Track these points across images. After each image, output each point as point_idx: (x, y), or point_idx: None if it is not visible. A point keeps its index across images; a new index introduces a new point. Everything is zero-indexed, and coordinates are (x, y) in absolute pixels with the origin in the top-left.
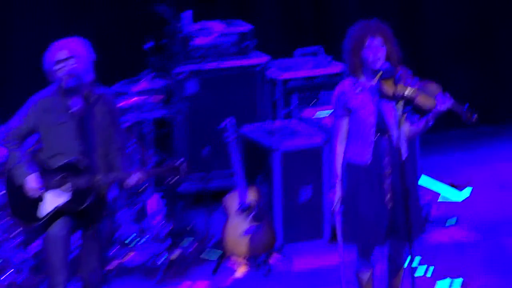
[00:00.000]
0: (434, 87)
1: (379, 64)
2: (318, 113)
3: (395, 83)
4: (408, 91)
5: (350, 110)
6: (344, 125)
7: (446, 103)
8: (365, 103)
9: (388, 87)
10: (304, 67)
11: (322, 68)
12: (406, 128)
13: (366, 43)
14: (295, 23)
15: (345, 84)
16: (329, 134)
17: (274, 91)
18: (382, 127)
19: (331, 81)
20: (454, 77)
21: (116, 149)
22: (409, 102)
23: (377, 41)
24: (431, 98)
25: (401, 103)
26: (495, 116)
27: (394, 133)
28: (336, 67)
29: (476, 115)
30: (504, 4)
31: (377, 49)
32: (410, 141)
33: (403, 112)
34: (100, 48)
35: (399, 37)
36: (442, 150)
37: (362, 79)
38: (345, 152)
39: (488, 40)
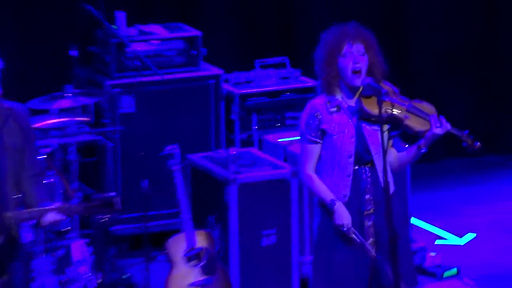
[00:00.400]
0: (427, 107)
1: (359, 78)
2: (283, 138)
3: (380, 102)
4: (395, 111)
5: (323, 134)
6: (316, 152)
7: (442, 127)
8: (342, 126)
9: (371, 106)
10: (266, 81)
11: (289, 83)
12: (393, 156)
13: (344, 51)
14: (255, 29)
15: (317, 103)
16: (297, 163)
17: (230, 110)
18: (363, 156)
19: (300, 99)
20: (450, 97)
21: (30, 177)
22: (396, 125)
23: (357, 48)
24: (424, 119)
25: (386, 126)
26: (502, 144)
27: (378, 162)
28: (305, 82)
29: (479, 143)
30: (505, 11)
31: (357, 59)
32: (399, 172)
33: (390, 137)
34: (11, 55)
35: (382, 48)
36: (438, 184)
37: (339, 96)
38: None
39: (490, 53)
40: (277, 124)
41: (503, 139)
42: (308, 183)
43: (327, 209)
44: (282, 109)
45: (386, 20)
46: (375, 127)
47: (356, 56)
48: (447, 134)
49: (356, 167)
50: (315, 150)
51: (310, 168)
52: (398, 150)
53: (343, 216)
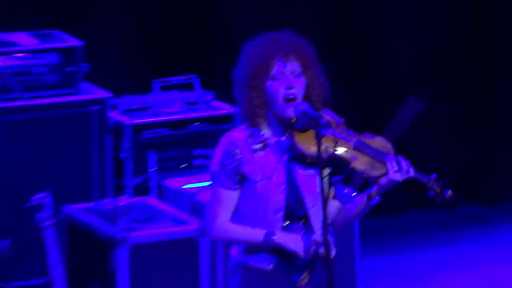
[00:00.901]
0: (381, 144)
1: (292, 106)
2: (190, 183)
3: (318, 137)
4: (339, 150)
5: (242, 179)
6: (232, 201)
7: (401, 171)
8: (269, 170)
9: (307, 143)
10: (168, 107)
11: (198, 110)
12: (336, 208)
13: (273, 72)
14: (154, 38)
15: (236, 137)
16: (205, 215)
17: (119, 147)
18: (295, 209)
19: (212, 132)
20: (418, 127)
21: None
22: (340, 168)
23: (292, 68)
24: (377, 161)
25: (327, 169)
26: (485, 189)
27: (315, 218)
28: (220, 108)
29: (450, 191)
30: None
31: (291, 83)
32: (343, 229)
33: (331, 184)
34: None
35: (326, 65)
36: (396, 244)
37: (265, 129)
38: (235, 247)
39: (473, 65)
40: (181, 165)
41: (487, 183)
42: (223, 234)
43: (251, 270)
44: (188, 145)
45: (335, 26)
46: (312, 172)
47: (289, 79)
48: (409, 180)
49: (287, 223)
50: (231, 198)
51: (223, 218)
52: (342, 201)
53: (293, 241)
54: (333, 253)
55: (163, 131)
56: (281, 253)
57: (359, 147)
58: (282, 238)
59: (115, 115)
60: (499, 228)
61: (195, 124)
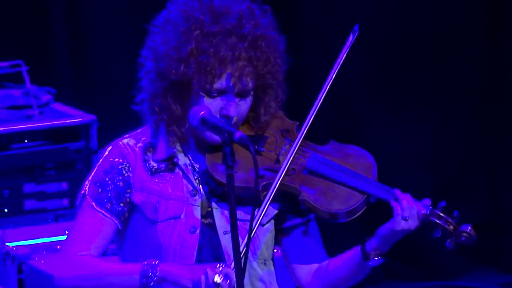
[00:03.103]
0: (359, 161)
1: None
2: (19, 239)
3: (254, 156)
4: (284, 177)
5: (131, 211)
6: (106, 234)
7: (411, 211)
8: (176, 205)
9: (248, 167)
10: None
11: (29, 119)
12: (306, 273)
13: (215, 85)
14: None
15: (128, 147)
16: (60, 251)
17: None
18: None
19: (54, 154)
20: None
21: None
22: (295, 204)
23: (242, 84)
24: (351, 190)
25: (272, 209)
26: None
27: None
28: (66, 116)
29: (470, 227)
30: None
31: (231, 108)
32: None
33: (282, 231)
34: None
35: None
36: None
37: (175, 142)
38: None
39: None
40: (3, 209)
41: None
42: (81, 271)
43: None
44: (14, 176)
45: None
46: (245, 213)
47: (232, 105)
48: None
49: None
50: (106, 229)
51: (89, 251)
52: (315, 259)
53: (181, 270)
54: None
55: None
56: None
57: (315, 168)
58: (167, 268)
59: None
60: None
61: (25, 142)
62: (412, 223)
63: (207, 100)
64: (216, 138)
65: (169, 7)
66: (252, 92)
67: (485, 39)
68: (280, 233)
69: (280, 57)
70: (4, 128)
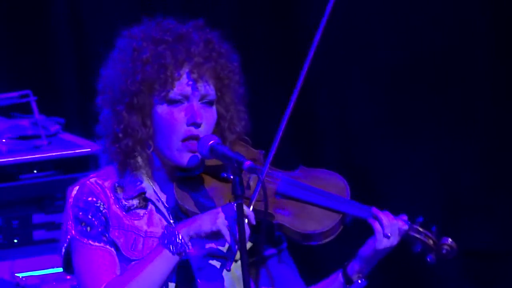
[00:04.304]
0: (335, 188)
1: (191, 149)
2: (28, 269)
3: (236, 186)
4: (254, 204)
5: (112, 245)
6: (114, 259)
7: (392, 230)
8: (149, 243)
9: (222, 195)
10: None
11: (38, 149)
12: None
13: (174, 90)
14: None
15: (97, 186)
16: None
17: None
18: None
19: (62, 184)
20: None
21: None
22: (270, 235)
23: (204, 89)
24: (326, 210)
25: (247, 242)
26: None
27: None
28: (74, 146)
29: (450, 240)
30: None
31: (197, 113)
32: None
33: (258, 262)
34: None
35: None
36: None
37: (144, 177)
38: None
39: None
40: (13, 240)
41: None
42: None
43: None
44: (22, 206)
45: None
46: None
47: (197, 109)
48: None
49: None
50: (110, 259)
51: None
52: (293, 287)
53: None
54: None
55: None
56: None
57: (287, 191)
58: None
59: None
60: None
61: (34, 172)
62: (394, 240)
63: (171, 111)
64: (183, 161)
65: (116, 44)
66: (215, 106)
67: (495, 58)
68: (254, 266)
69: (237, 67)
70: (13, 159)
